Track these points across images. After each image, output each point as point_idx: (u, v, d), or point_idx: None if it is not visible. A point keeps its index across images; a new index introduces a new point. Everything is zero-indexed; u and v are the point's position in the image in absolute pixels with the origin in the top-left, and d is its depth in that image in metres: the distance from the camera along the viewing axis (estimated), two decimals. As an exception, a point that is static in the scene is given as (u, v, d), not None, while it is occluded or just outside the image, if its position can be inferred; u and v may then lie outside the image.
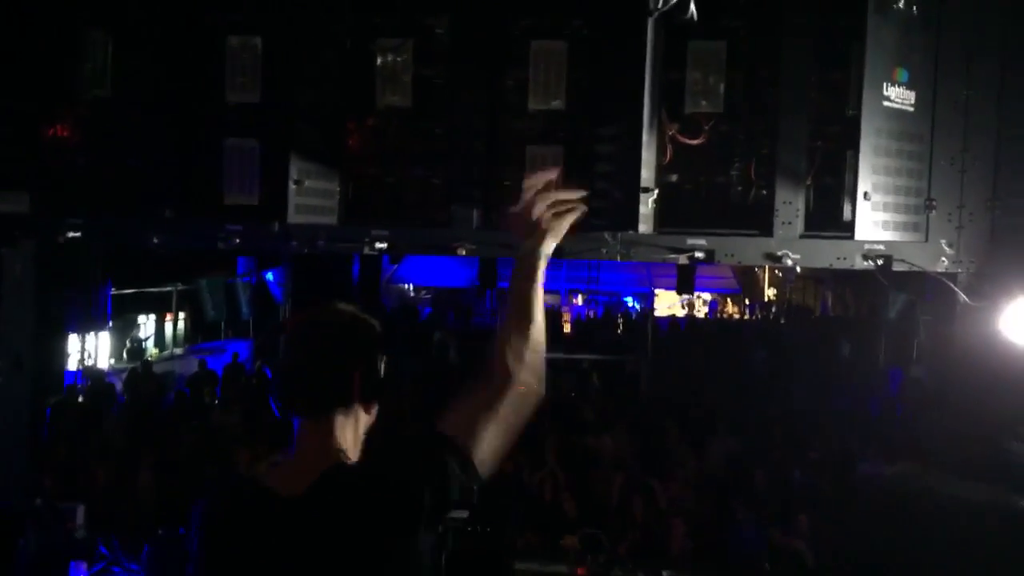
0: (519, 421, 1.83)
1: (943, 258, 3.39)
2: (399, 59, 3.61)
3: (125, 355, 18.36)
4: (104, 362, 17.23)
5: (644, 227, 3.39)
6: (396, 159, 3.69)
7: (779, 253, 3.43)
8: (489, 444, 1.78)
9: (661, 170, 3.52)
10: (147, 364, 14.54)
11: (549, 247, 1.92)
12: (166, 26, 3.62)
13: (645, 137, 3.32)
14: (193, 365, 15.18)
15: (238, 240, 3.58)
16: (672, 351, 17.48)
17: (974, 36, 3.30)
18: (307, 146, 3.52)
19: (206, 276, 16.47)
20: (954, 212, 3.38)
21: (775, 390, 13.32)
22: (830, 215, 3.47)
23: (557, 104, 3.56)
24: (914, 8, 3.21)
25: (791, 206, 3.40)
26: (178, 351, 20.09)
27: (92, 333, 16.94)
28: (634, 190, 3.28)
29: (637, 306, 25.49)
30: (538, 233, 1.91)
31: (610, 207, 3.42)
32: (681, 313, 25.36)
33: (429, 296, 27.56)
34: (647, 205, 3.35)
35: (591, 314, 24.28)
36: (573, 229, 1.98)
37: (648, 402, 12.77)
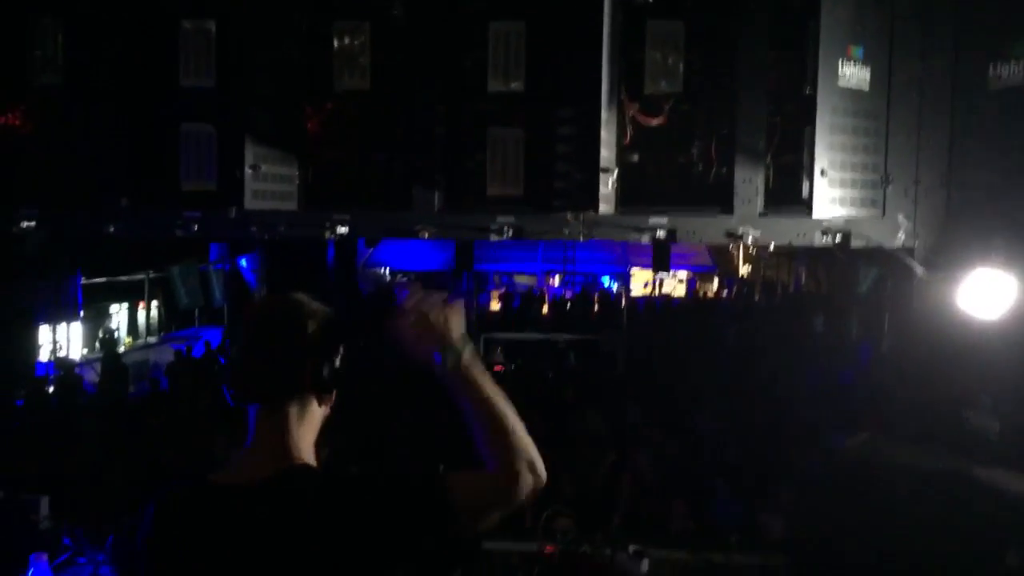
0: (522, 501, 1.74)
1: (900, 233, 3.43)
2: (356, 42, 3.57)
3: (98, 345, 18.14)
4: (77, 353, 17.01)
5: (606, 207, 3.40)
6: (356, 143, 3.66)
7: (740, 231, 3.45)
8: (485, 516, 1.71)
9: (622, 150, 3.52)
10: (114, 355, 14.36)
11: (462, 343, 1.78)
12: (117, 11, 3.55)
13: (604, 117, 3.32)
14: (168, 354, 15.04)
15: (196, 227, 3.54)
16: (648, 330, 17.56)
17: (928, 12, 3.31)
18: (264, 131, 3.48)
19: (178, 263, 16.27)
20: (910, 187, 3.42)
21: (749, 366, 13.44)
22: (790, 192, 3.49)
23: (516, 85, 3.53)
24: (869, -15, 3.22)
25: (751, 184, 3.42)
26: (152, 340, 19.89)
27: (63, 324, 16.72)
28: (594, 171, 3.28)
29: (614, 286, 25.57)
30: (444, 340, 1.77)
31: (571, 188, 3.42)
32: (653, 291, 25.44)
33: (406, 279, 27.46)
34: (607, 185, 3.35)
35: (567, 294, 24.32)
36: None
37: (623, 381, 12.84)
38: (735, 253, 30.87)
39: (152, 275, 18.94)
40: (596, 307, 21.45)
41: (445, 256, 22.55)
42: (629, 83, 3.45)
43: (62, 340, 16.69)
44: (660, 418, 9.51)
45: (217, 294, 18.21)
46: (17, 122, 3.68)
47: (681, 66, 3.44)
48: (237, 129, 3.44)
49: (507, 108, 3.56)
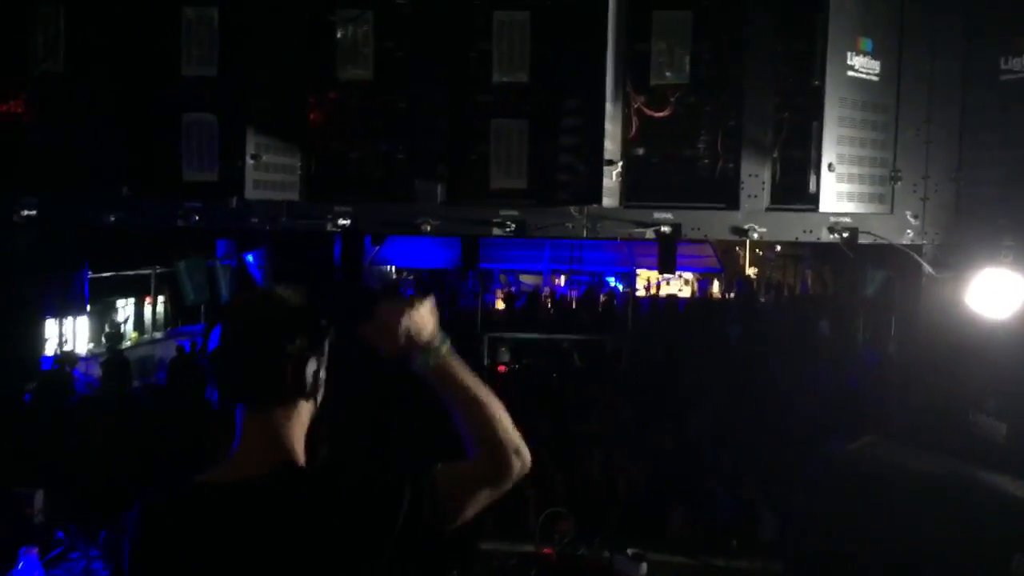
0: (508, 487, 1.79)
1: (908, 230, 3.38)
2: (360, 31, 3.53)
3: (104, 340, 18.17)
4: (83, 347, 17.04)
5: (609, 201, 3.35)
6: (358, 133, 3.62)
7: (745, 227, 3.41)
8: (473, 506, 1.74)
9: (627, 143, 3.48)
10: (116, 350, 14.37)
11: (436, 341, 1.81)
12: (119, -2, 3.52)
13: (609, 109, 3.28)
14: (173, 349, 15.06)
15: (197, 217, 3.50)
16: (653, 330, 17.52)
17: (938, 4, 3.26)
18: (265, 120, 3.44)
19: (185, 258, 16.30)
20: (919, 183, 3.37)
21: (754, 369, 13.38)
22: (796, 187, 3.44)
23: (521, 76, 3.50)
24: (879, -24, 3.17)
25: (757, 179, 3.37)
26: (158, 335, 19.92)
27: (70, 318, 16.76)
28: (598, 164, 3.24)
29: (619, 286, 25.53)
30: (414, 344, 1.79)
31: (575, 181, 3.37)
32: (655, 292, 25.36)
33: (412, 278, 27.45)
34: (612, 178, 3.30)
35: (573, 294, 24.28)
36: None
37: (628, 382, 12.80)
38: (741, 254, 30.78)
39: (159, 270, 18.96)
40: (601, 307, 21.40)
41: (451, 254, 22.55)
42: (635, 75, 3.41)
43: (68, 334, 16.72)
44: (662, 419, 9.46)
45: (224, 290, 18.22)
46: (18, 110, 3.65)
47: (688, 58, 3.39)
48: (239, 118, 3.41)
49: (511, 99, 3.53)
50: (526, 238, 3.60)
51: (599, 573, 3.20)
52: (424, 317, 1.81)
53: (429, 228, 3.52)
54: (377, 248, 25.39)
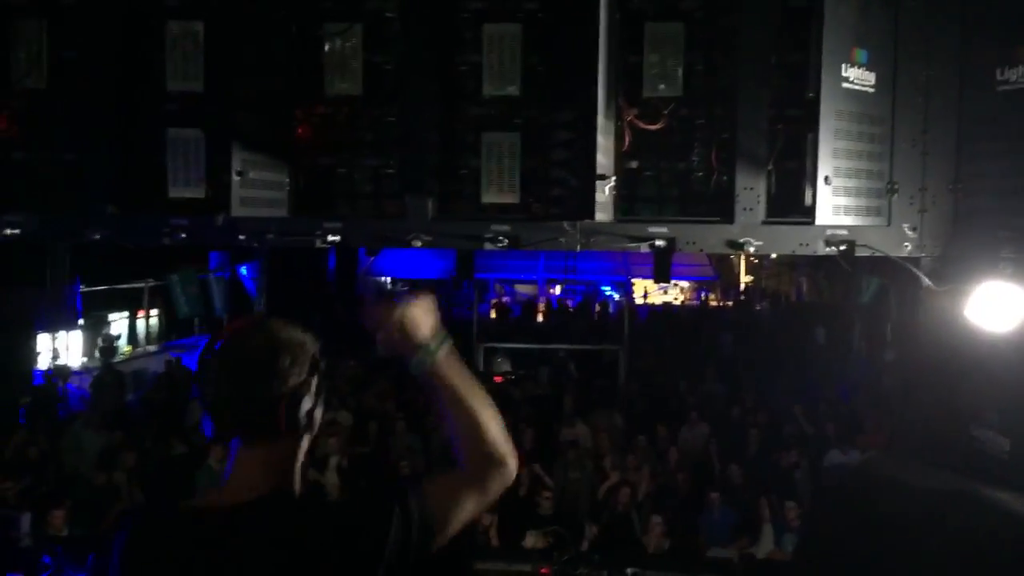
0: (494, 497, 1.79)
1: (906, 243, 3.33)
2: (348, 44, 3.49)
3: (97, 353, 18.07)
4: (76, 360, 16.94)
5: (603, 215, 3.30)
6: (347, 148, 3.57)
7: (741, 240, 3.35)
8: (461, 518, 1.75)
9: (620, 156, 3.43)
10: (108, 363, 14.28)
11: (434, 342, 1.78)
12: (103, 13, 3.47)
13: (602, 122, 3.23)
14: (171, 361, 14.99)
15: (184, 235, 3.44)
16: (650, 340, 17.47)
17: (934, 14, 3.22)
18: (252, 136, 3.39)
19: (178, 271, 16.23)
20: (916, 195, 3.32)
21: (750, 377, 13.34)
22: (792, 200, 3.40)
23: (512, 89, 3.45)
24: (873, -14, 3.13)
25: (752, 192, 3.32)
26: (152, 348, 19.82)
27: (63, 331, 16.67)
28: (590, 178, 3.19)
29: (615, 295, 25.51)
30: (411, 343, 1.77)
31: (567, 195, 3.32)
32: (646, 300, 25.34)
33: (406, 289, 27.40)
34: (604, 192, 3.26)
35: (568, 304, 24.25)
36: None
37: (626, 392, 12.73)
38: (737, 262, 30.79)
39: (152, 283, 18.89)
40: (597, 316, 21.36)
41: (446, 264, 22.54)
42: (627, 87, 3.36)
43: (61, 348, 16.63)
44: (660, 428, 9.41)
45: (217, 303, 18.17)
46: (2, 126, 3.59)
47: (681, 70, 3.35)
48: (225, 134, 3.36)
49: (502, 112, 3.48)
50: (518, 249, 3.55)
51: (596, 595, 3.14)
52: (420, 315, 1.78)
53: (420, 243, 3.46)
54: (371, 259, 25.37)
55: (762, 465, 8.46)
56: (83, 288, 16.99)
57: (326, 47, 3.47)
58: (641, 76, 3.37)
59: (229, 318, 18.27)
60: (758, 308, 24.99)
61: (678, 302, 27.22)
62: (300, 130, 3.57)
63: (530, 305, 22.35)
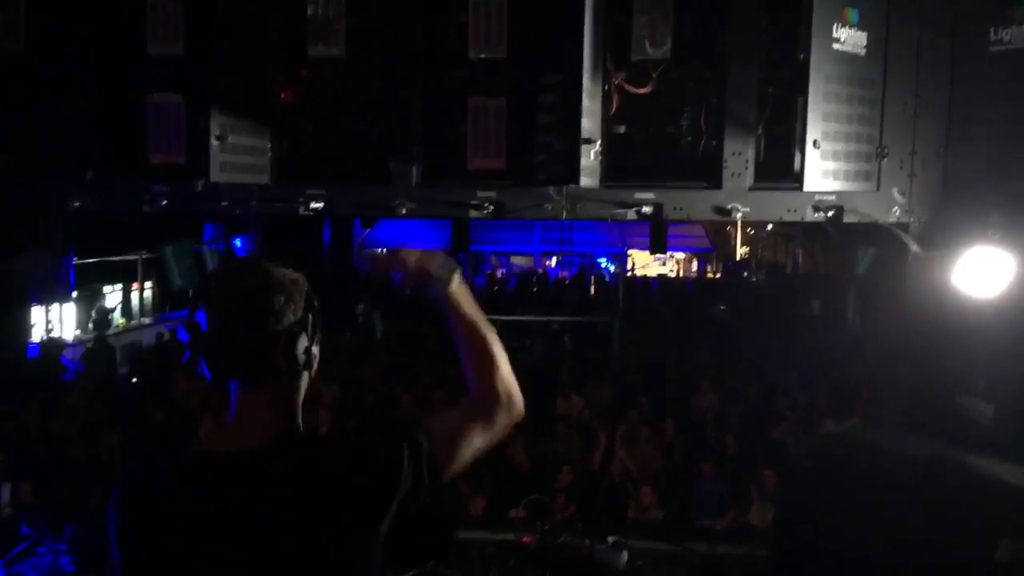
0: (497, 439, 1.82)
1: (895, 208, 3.30)
2: (331, 7, 3.41)
3: (91, 326, 18.03)
4: (70, 333, 16.92)
5: (588, 181, 3.26)
6: (330, 113, 3.51)
7: (728, 206, 3.32)
8: (465, 457, 1.77)
9: (608, 121, 3.38)
10: (102, 338, 14.26)
11: (447, 272, 1.85)
12: (80, -26, 3.39)
13: (588, 85, 3.18)
14: (162, 334, 14.97)
15: (165, 202, 3.40)
16: (645, 311, 17.48)
17: (926, -27, 3.16)
18: (234, 101, 3.33)
19: (171, 244, 16.13)
20: (906, 160, 3.28)
21: (746, 349, 13.36)
22: (781, 166, 3.36)
23: (499, 52, 3.38)
24: (865, -55, 3.07)
25: (740, 157, 3.28)
26: (146, 321, 19.79)
27: (56, 304, 16.62)
28: (575, 142, 3.14)
29: (611, 267, 25.47)
30: (427, 274, 1.85)
31: (552, 160, 3.28)
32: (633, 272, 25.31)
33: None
34: (590, 157, 3.21)
35: (564, 276, 24.22)
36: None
37: (620, 364, 12.75)
38: (733, 234, 30.73)
39: (146, 255, 18.79)
40: (592, 288, 21.35)
41: (442, 236, 22.44)
42: (615, 50, 3.30)
43: (55, 320, 16.59)
44: (652, 400, 9.42)
45: (212, 275, 17.92)
46: (-21, 91, 3.53)
47: (670, 32, 3.28)
48: (206, 98, 3.30)
49: (488, 76, 3.41)
50: (504, 220, 3.51)
51: (579, 561, 3.14)
52: (425, 254, 1.87)
53: (405, 211, 3.42)
54: (367, 230, 25.27)
55: (754, 435, 8.49)
56: (77, 260, 16.90)
57: (309, 9, 3.40)
58: (629, 38, 3.30)
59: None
60: (754, 279, 24.97)
61: (674, 274, 27.20)
62: (283, 95, 3.51)
63: (526, 277, 22.32)
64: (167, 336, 14.46)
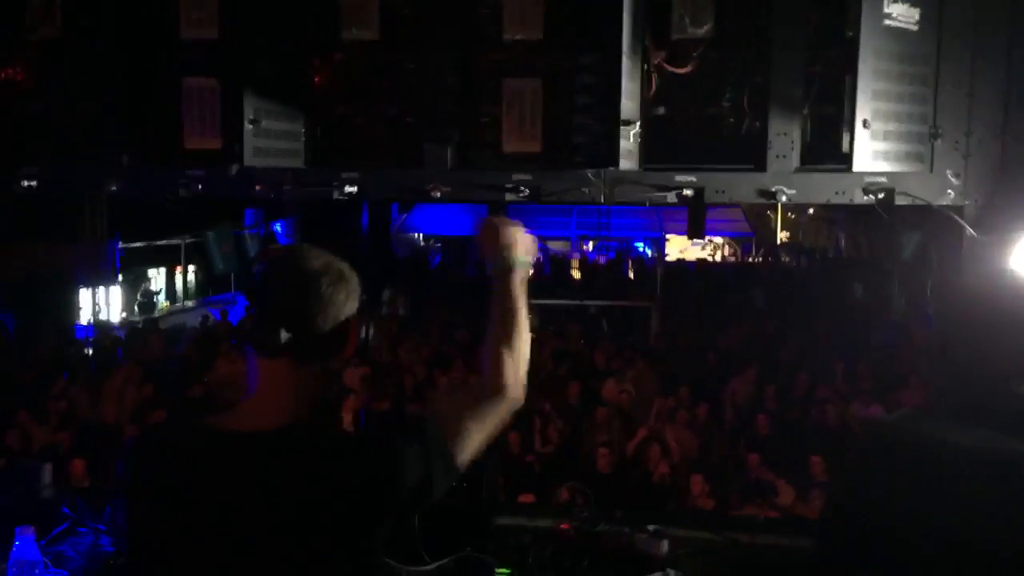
0: (499, 426, 1.83)
1: (949, 190, 3.16)
2: (364, -12, 3.36)
3: (136, 309, 18.40)
4: (116, 316, 17.30)
5: (627, 163, 3.17)
6: (364, 96, 3.47)
7: (773, 189, 3.21)
8: (470, 447, 1.77)
9: (647, 102, 3.29)
10: (152, 320, 14.54)
11: (524, 257, 1.94)
12: (115, -41, 3.38)
13: (627, 65, 3.08)
14: (207, 317, 15.22)
15: (200, 186, 3.39)
16: (683, 296, 17.31)
17: (984, -57, 3.01)
18: (268, 84, 3.30)
19: (214, 228, 16.40)
20: (961, 140, 3.13)
21: (786, 333, 13.15)
22: (829, 147, 3.24)
23: (535, 33, 3.31)
24: (919, -85, 2.92)
25: (786, 138, 3.17)
26: (189, 304, 20.15)
27: (102, 287, 16.99)
28: (614, 123, 3.05)
29: (648, 251, 25.26)
30: (508, 246, 1.93)
31: (590, 143, 3.20)
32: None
33: (439, 244, 27.44)
34: (629, 139, 3.12)
35: (601, 260, 24.09)
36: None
37: (658, 348, 12.64)
38: (773, 218, 30.26)
39: (188, 240, 19.10)
40: (630, 273, 21.20)
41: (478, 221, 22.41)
42: (655, 28, 3.20)
43: (101, 303, 16.97)
44: (692, 386, 9.31)
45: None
46: (19, 77, 3.55)
47: (711, 10, 3.17)
48: (241, 83, 3.27)
49: (524, 58, 3.34)
50: (541, 203, 3.45)
51: (619, 550, 3.09)
52: (524, 236, 1.97)
53: (439, 194, 3.37)
54: (404, 215, 25.39)
55: (796, 422, 8.35)
56: (122, 245, 17.25)
57: (342, -9, 3.35)
58: (670, 17, 3.20)
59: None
60: (795, 264, 24.58)
61: (713, 258, 26.88)
62: (316, 78, 3.47)
63: (562, 261, 22.23)
64: (211, 320, 14.68)
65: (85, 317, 15.97)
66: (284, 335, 1.66)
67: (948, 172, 3.15)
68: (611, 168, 3.17)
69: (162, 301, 19.82)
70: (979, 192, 3.15)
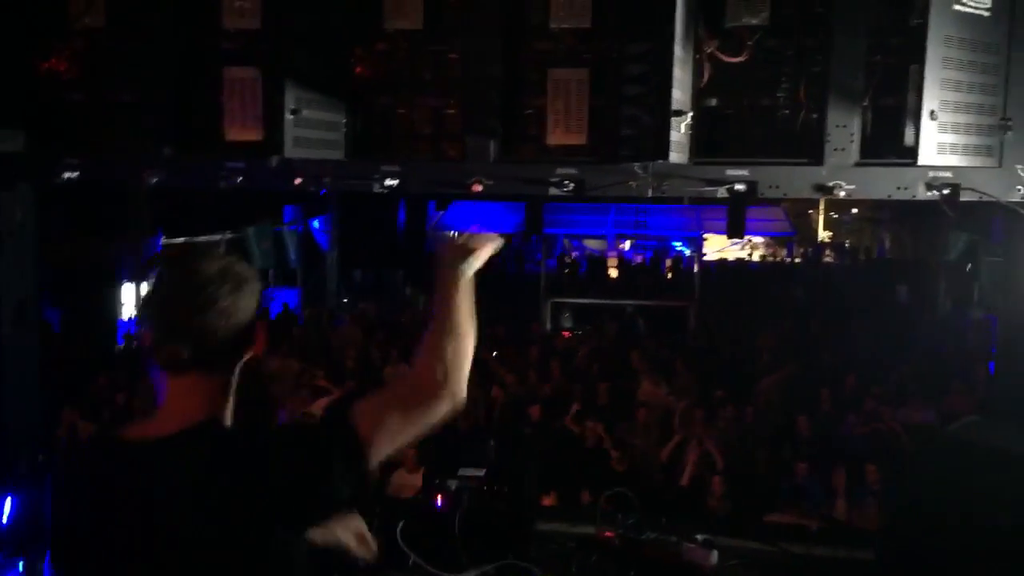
0: (432, 424, 1.77)
1: (1019, 186, 2.99)
2: (407, -24, 3.29)
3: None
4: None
5: (677, 156, 3.05)
6: (406, 87, 3.39)
7: (831, 184, 3.06)
8: (393, 441, 1.72)
9: (698, 93, 3.17)
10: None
11: (470, 264, 1.89)
12: (158, -52, 3.35)
13: (679, 54, 2.97)
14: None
15: (240, 179, 3.34)
16: (721, 295, 17.06)
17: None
18: (309, 75, 3.25)
19: (253, 224, 16.53)
20: (1034, 133, 2.96)
21: (829, 335, 12.87)
22: (889, 140, 3.09)
23: (582, 21, 3.21)
24: None
25: (845, 130, 3.02)
26: (228, 299, 20.29)
27: (145, 282, 17.18)
28: (665, 114, 2.94)
29: (686, 251, 24.96)
30: (461, 252, 1.90)
31: (639, 135, 3.08)
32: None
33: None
34: (680, 130, 3.00)
35: (639, 259, 23.85)
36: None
37: (695, 349, 12.44)
38: (815, 217, 29.73)
39: (229, 235, 19.29)
40: (668, 272, 20.96)
41: (515, 219, 22.32)
42: (707, 16, 3.08)
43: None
44: (731, 388, 9.12)
45: (291, 255, 18.49)
46: (62, 67, 3.54)
47: (768, -4, 3.04)
48: (282, 73, 3.22)
49: (571, 47, 3.24)
50: (585, 200, 3.34)
51: (666, 560, 2.96)
52: (483, 248, 1.92)
53: (481, 187, 3.28)
54: (440, 213, 25.38)
55: (842, 428, 8.13)
56: (164, 240, 17.46)
57: (385, -21, 3.28)
58: (724, 4, 3.08)
59: (303, 270, 18.65)
60: (837, 264, 24.11)
61: (752, 258, 26.48)
62: (358, 69, 3.41)
63: (599, 260, 22.04)
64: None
65: (127, 312, 16.18)
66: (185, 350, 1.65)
67: (1018, 167, 2.99)
68: (659, 161, 3.05)
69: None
70: (1052, 188, 2.97)
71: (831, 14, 3.03)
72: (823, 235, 30.21)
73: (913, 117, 2.89)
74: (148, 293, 1.70)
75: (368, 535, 2.09)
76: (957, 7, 2.79)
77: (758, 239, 26.96)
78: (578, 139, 3.26)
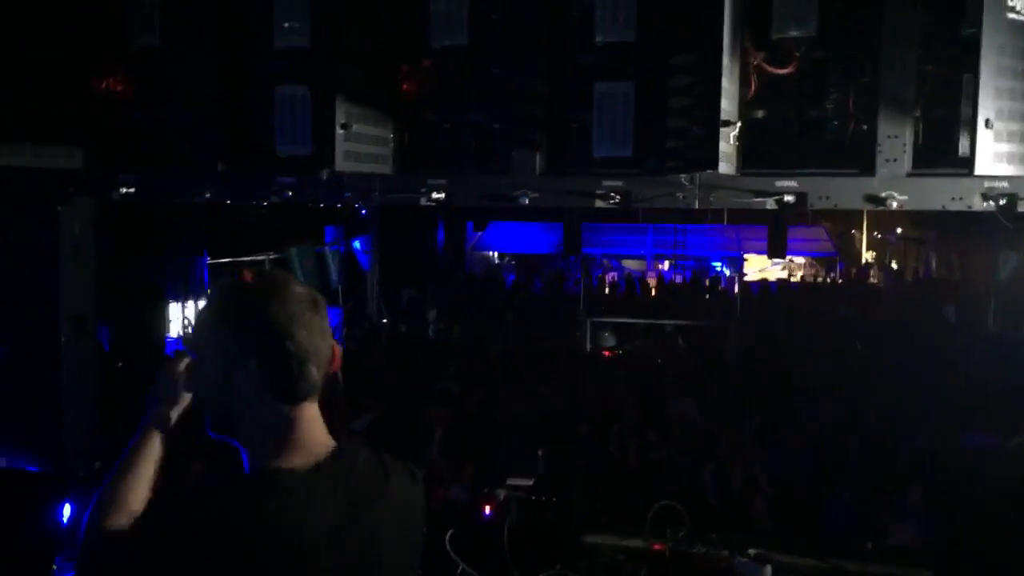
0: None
1: (1079, 196, 2.92)
2: (455, -5, 3.33)
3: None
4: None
5: (726, 167, 3.04)
6: (453, 102, 3.43)
7: (883, 194, 3.03)
8: None
9: (745, 105, 3.16)
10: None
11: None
12: (212, -30, 3.45)
13: (727, 63, 2.96)
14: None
15: (290, 193, 3.40)
16: (762, 316, 16.83)
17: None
18: (358, 90, 3.30)
19: (296, 245, 16.79)
20: (1093, 141, 2.90)
21: (872, 356, 12.62)
22: (941, 150, 3.04)
23: (627, 35, 3.22)
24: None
25: (897, 140, 2.99)
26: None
27: (191, 302, 17.52)
28: (713, 125, 2.93)
29: (726, 271, 24.72)
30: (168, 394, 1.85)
31: (686, 146, 3.08)
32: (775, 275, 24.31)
33: (513, 263, 27.49)
34: (728, 141, 2.99)
35: (677, 279, 23.69)
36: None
37: (735, 369, 12.28)
38: (858, 237, 29.28)
39: (272, 256, 19.59)
40: (707, 292, 20.78)
41: (553, 239, 22.36)
42: (754, 28, 3.08)
43: (191, 316, 17.48)
44: (772, 410, 8.98)
45: (333, 275, 18.72)
46: (118, 86, 3.64)
47: (815, 7, 3.03)
48: (331, 89, 3.28)
49: (616, 60, 3.25)
50: (630, 213, 3.34)
51: (717, 574, 2.92)
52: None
53: (527, 201, 3.30)
54: (479, 234, 25.52)
55: (891, 452, 7.94)
56: (210, 260, 17.79)
57: (432, -2, 3.33)
58: (770, 15, 3.07)
59: (344, 290, 18.87)
60: (882, 285, 23.68)
61: (794, 278, 26.13)
62: (405, 85, 3.46)
63: (638, 281, 21.93)
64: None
65: (174, 330, 16.47)
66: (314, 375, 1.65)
67: (1077, 177, 2.92)
68: (707, 172, 3.04)
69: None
70: (1114, 198, 2.90)
71: (880, 24, 3.00)
72: (866, 256, 29.72)
73: (967, 127, 2.85)
74: (247, 319, 1.63)
75: None
76: (1011, 15, 2.75)
77: (798, 260, 26.62)
78: (624, 152, 3.26)
